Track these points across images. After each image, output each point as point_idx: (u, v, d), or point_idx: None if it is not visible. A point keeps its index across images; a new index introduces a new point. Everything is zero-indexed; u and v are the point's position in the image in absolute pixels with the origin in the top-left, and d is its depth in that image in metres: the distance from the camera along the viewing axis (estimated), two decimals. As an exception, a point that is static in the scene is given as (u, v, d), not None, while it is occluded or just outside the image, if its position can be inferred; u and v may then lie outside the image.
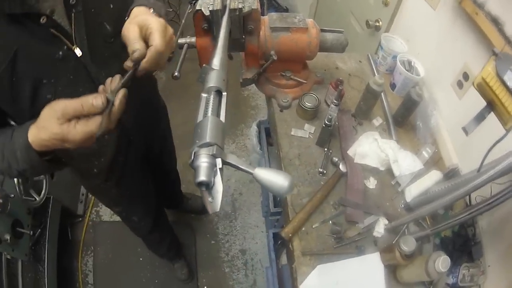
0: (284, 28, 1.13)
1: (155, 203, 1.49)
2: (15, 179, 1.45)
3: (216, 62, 0.64)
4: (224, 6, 0.96)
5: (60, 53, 0.73)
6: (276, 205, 1.46)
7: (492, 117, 0.99)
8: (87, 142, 0.64)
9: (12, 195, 1.40)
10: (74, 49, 0.75)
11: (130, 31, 0.68)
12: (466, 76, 1.14)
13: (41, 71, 0.73)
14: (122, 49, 0.72)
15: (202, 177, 0.43)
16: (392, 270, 1.01)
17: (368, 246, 1.05)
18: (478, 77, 0.86)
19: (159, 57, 0.69)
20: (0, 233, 1.34)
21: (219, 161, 0.45)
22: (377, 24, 1.62)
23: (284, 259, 1.38)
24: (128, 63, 0.68)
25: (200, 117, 0.52)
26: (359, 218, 1.08)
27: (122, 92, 0.64)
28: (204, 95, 0.57)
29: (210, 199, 0.44)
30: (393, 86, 1.41)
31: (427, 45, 1.35)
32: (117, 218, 2.05)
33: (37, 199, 1.59)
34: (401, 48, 1.41)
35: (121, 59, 0.71)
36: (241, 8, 0.98)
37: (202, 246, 2.09)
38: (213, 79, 0.59)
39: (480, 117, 0.90)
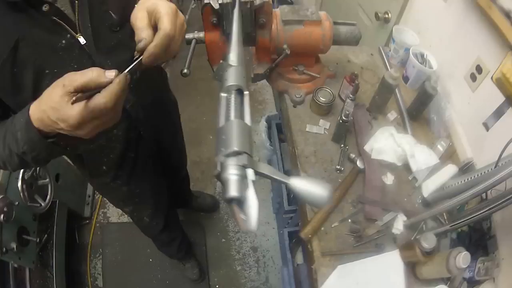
0: (297, 21, 1.09)
1: (167, 201, 1.46)
2: (19, 185, 1.41)
3: (233, 57, 0.59)
4: None
5: (63, 41, 0.70)
6: (290, 203, 1.43)
7: (508, 111, 0.96)
8: (82, 128, 0.56)
9: (17, 203, 1.36)
10: (78, 37, 0.72)
11: (138, 18, 0.63)
12: (479, 69, 1.11)
13: (44, 60, 0.70)
14: (130, 38, 0.68)
15: (233, 192, 0.37)
16: (411, 267, 0.98)
17: (388, 244, 1.03)
18: (497, 72, 0.83)
19: (169, 42, 0.62)
20: (5, 242, 1.31)
21: (250, 172, 0.40)
22: (386, 16, 1.58)
23: (299, 258, 1.36)
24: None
25: (221, 121, 0.47)
26: (378, 215, 1.06)
27: (123, 75, 0.56)
28: (223, 94, 0.52)
29: (242, 216, 0.38)
30: (405, 79, 1.38)
31: (439, 37, 1.31)
32: (125, 219, 2.06)
33: (43, 204, 1.54)
34: (412, 40, 1.37)
35: (130, 48, 0.66)
36: (252, 1, 0.94)
37: (213, 245, 2.06)
38: (232, 77, 0.54)
39: (499, 112, 0.88)
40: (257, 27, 1.06)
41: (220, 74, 0.58)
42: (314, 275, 0.99)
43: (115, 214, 2.13)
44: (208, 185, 2.23)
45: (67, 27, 0.70)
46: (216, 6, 0.94)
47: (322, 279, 0.96)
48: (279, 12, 1.11)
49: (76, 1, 0.70)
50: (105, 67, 0.74)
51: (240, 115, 0.48)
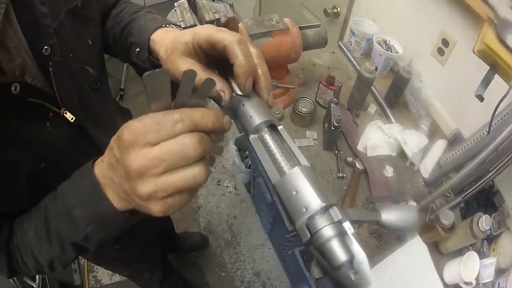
0: (265, 33, 1.03)
1: (160, 252, 1.36)
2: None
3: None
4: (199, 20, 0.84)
5: (48, 124, 0.52)
6: (291, 223, 1.36)
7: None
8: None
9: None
10: (63, 113, 0.55)
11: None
12: (445, 42, 1.13)
13: (32, 154, 0.52)
14: (108, 93, 0.56)
15: (342, 257, 0.31)
16: (434, 246, 1.00)
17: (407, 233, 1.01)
18: (478, 44, 0.85)
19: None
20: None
21: (348, 225, 0.34)
22: (336, 10, 1.58)
23: (316, 272, 1.29)
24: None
25: (274, 174, 0.38)
26: (390, 209, 1.04)
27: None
28: (254, 136, 0.43)
29: (352, 276, 0.32)
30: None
31: (396, 20, 1.32)
32: (117, 278, 1.90)
33: (35, 286, 1.45)
34: (371, 29, 1.38)
35: (108, 104, 0.55)
36: (218, 19, 0.87)
37: (215, 281, 1.92)
38: (255, 111, 0.44)
39: (487, 81, 0.89)
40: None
41: (234, 110, 0.47)
42: (351, 286, 0.94)
43: (105, 276, 1.92)
44: (192, 224, 2.10)
45: (46, 104, 0.51)
46: None
47: (360, 289, 0.92)
48: (243, 26, 1.04)
49: (50, 68, 0.51)
50: (99, 136, 0.60)
51: (291, 157, 0.39)
